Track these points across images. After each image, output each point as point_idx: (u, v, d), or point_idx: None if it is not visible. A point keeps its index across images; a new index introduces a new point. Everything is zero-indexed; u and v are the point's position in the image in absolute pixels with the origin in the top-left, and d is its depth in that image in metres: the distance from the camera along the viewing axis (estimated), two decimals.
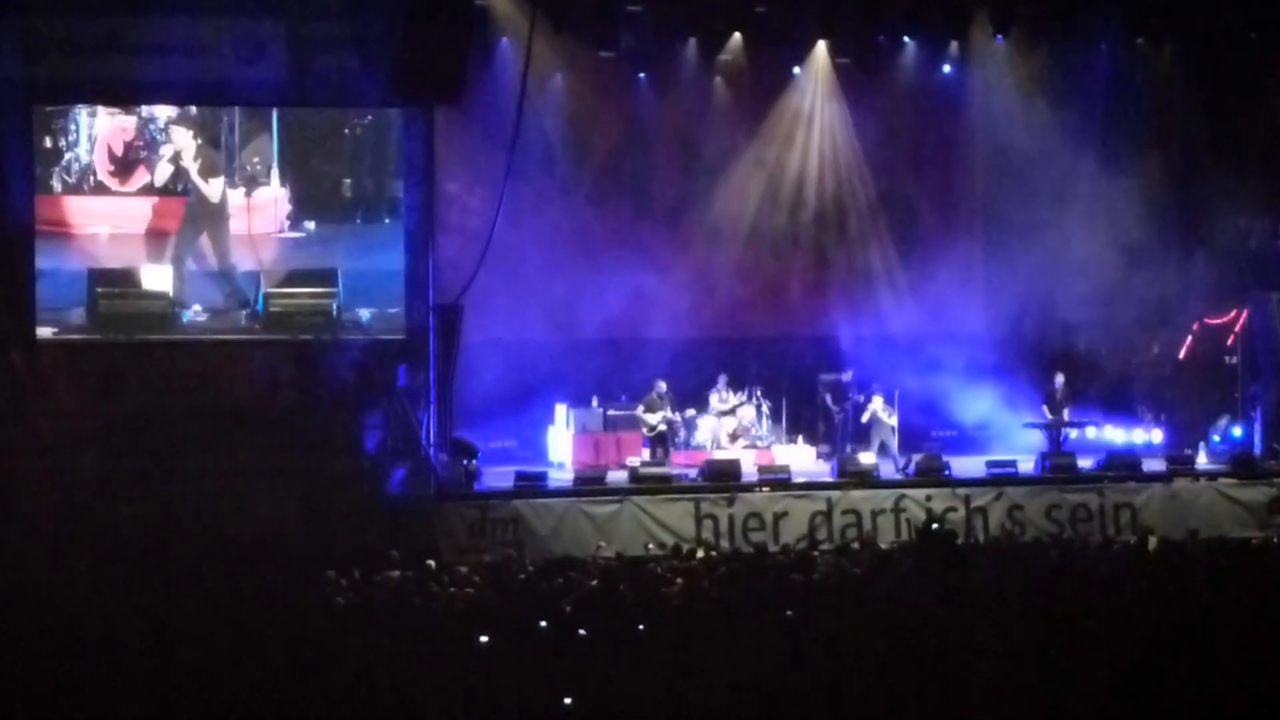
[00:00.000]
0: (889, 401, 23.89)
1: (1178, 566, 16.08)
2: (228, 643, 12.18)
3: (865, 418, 23.86)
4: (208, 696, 10.87)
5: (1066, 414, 24.12)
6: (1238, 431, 24.33)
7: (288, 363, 21.48)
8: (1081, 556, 17.44)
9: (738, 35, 24.52)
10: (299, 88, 21.56)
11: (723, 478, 21.91)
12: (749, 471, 22.48)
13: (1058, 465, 22.62)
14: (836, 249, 26.15)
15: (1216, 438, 24.68)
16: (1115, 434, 25.25)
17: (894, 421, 23.84)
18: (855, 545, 19.35)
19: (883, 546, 19.52)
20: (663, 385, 23.76)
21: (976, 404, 25.31)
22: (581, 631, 12.66)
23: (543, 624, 13.04)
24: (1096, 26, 24.35)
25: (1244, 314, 24.74)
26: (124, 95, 21.34)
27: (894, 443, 23.82)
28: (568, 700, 10.50)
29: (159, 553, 18.11)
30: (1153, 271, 25.30)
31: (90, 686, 11.10)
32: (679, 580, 15.25)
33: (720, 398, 24.56)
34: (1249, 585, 14.38)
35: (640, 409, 23.75)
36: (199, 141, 21.66)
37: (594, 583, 15.21)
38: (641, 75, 24.77)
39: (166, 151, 21.55)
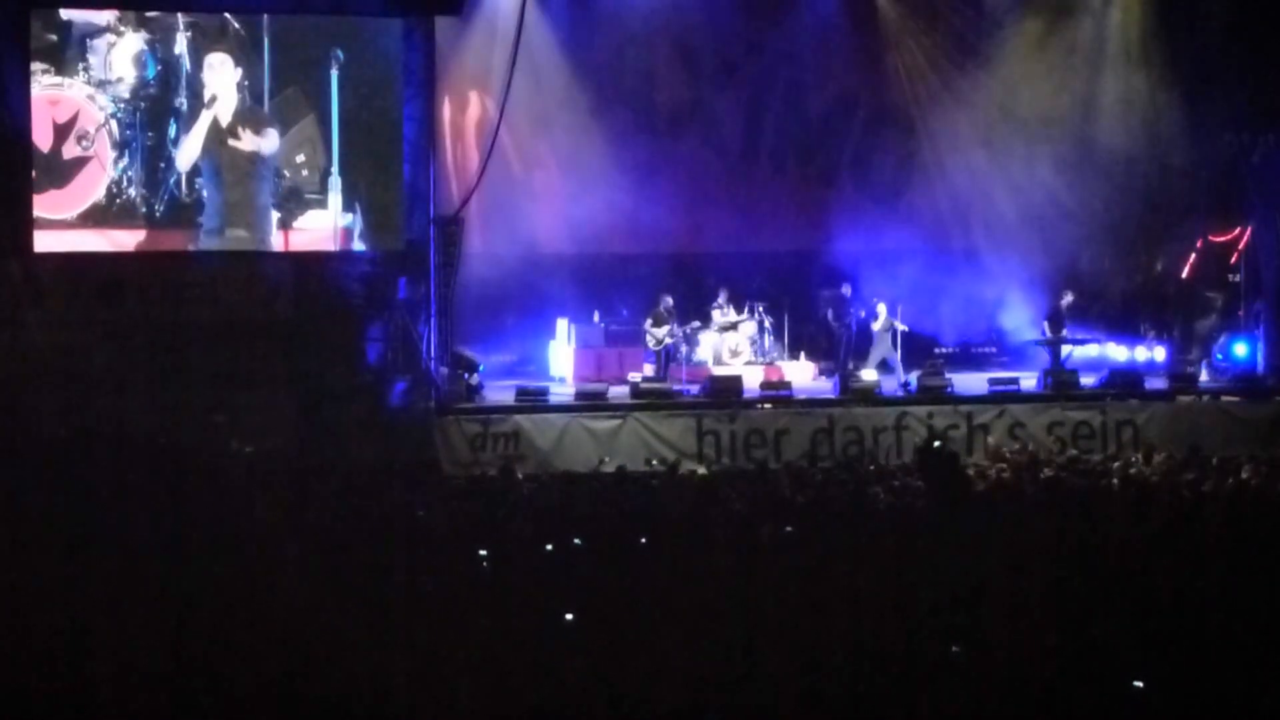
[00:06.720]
0: (892, 315, 23.77)
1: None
2: (236, 553, 12.16)
3: (876, 326, 23.69)
4: (216, 604, 10.84)
5: (1067, 331, 24.03)
6: (1242, 350, 24.23)
7: (289, 274, 21.37)
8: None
9: None
10: None
11: (725, 394, 21.84)
12: (751, 388, 22.40)
13: (1060, 382, 22.49)
14: (838, 164, 25.98)
15: (1219, 355, 24.63)
16: (1118, 351, 25.20)
17: (898, 331, 23.72)
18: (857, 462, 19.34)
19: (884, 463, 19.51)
20: (669, 299, 23.63)
21: (979, 321, 25.20)
22: (577, 541, 12.60)
23: (543, 537, 12.99)
24: None
25: (1248, 231, 24.58)
26: None
27: (897, 356, 23.72)
28: (569, 615, 10.46)
29: (163, 465, 18.01)
30: (1157, 188, 25.16)
31: (96, 594, 11.07)
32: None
33: (722, 313, 24.46)
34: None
35: (648, 323, 23.62)
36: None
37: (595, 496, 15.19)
38: None
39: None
